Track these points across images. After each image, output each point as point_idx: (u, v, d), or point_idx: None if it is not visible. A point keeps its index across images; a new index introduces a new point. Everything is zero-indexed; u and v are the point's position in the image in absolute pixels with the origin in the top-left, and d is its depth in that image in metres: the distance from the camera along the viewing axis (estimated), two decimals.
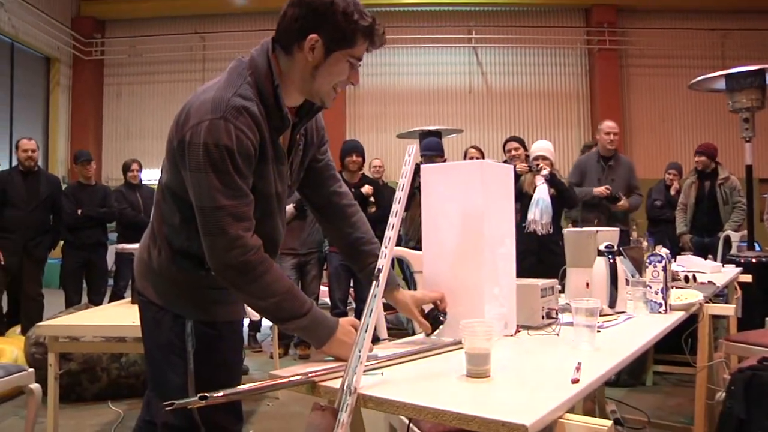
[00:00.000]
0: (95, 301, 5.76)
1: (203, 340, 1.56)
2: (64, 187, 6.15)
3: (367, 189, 5.10)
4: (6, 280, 5.39)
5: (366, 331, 1.25)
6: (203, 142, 1.36)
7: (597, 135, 5.78)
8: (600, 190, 5.20)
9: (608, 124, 5.50)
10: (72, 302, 5.65)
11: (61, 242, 6.00)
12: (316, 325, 1.49)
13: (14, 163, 5.69)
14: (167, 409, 1.19)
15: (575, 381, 1.33)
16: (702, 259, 3.90)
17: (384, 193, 5.36)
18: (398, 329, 5.45)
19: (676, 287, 2.74)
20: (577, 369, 1.39)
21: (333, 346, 1.50)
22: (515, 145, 4.84)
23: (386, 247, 1.32)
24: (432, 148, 4.99)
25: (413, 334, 4.86)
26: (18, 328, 5.39)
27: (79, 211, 5.81)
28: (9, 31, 10.09)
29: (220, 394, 1.20)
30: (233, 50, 11.51)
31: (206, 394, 1.18)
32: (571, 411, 1.21)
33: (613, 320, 2.18)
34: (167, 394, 1.55)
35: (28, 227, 5.40)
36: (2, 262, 5.24)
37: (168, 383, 1.57)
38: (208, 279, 1.52)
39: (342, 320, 1.55)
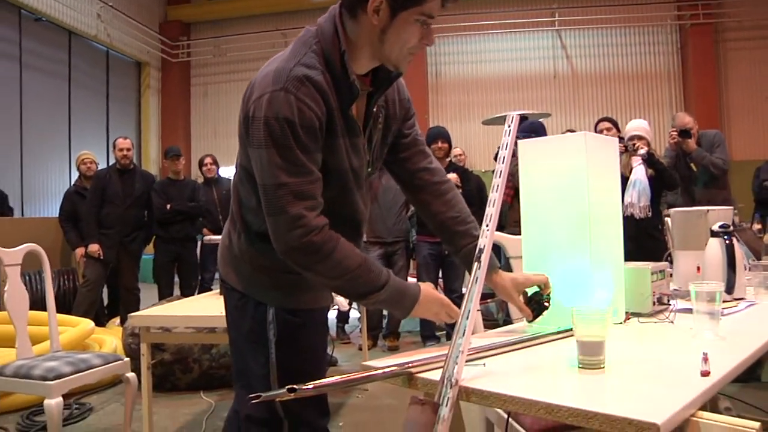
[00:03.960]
0: (187, 294, 5.89)
1: (285, 328, 1.48)
2: None
3: (453, 177, 4.97)
4: (106, 273, 5.60)
5: (467, 318, 1.13)
6: (264, 115, 1.29)
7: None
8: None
9: (680, 122, 5.09)
10: (164, 295, 5.80)
11: (154, 237, 6.17)
12: (398, 295, 1.41)
13: (111, 162, 5.87)
14: (253, 402, 1.12)
15: (705, 373, 1.18)
16: None
17: (470, 180, 5.22)
18: (487, 320, 5.29)
19: None
20: (705, 360, 1.23)
21: (420, 311, 1.43)
22: (608, 125, 4.55)
23: (487, 226, 1.20)
24: (530, 130, 4.49)
25: (504, 325, 4.69)
26: (117, 320, 5.62)
27: (168, 206, 5.90)
28: (104, 40, 10.65)
29: (310, 386, 1.12)
30: None
31: (295, 386, 1.10)
32: (704, 408, 1.07)
33: (733, 307, 1.99)
34: (250, 385, 1.49)
35: (124, 223, 5.59)
36: (102, 257, 5.44)
37: (250, 373, 1.51)
38: (287, 263, 1.42)
39: (422, 284, 1.46)
